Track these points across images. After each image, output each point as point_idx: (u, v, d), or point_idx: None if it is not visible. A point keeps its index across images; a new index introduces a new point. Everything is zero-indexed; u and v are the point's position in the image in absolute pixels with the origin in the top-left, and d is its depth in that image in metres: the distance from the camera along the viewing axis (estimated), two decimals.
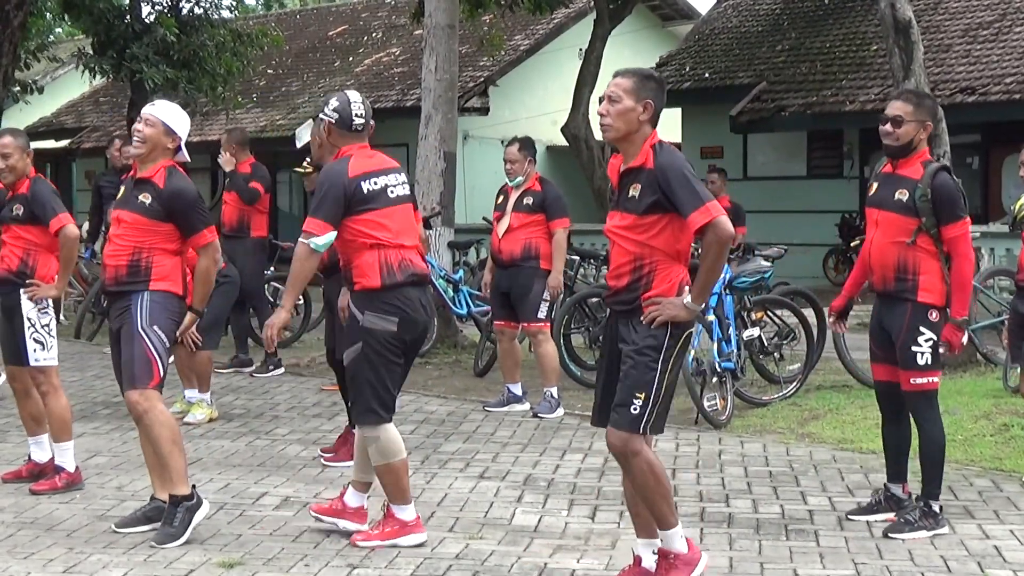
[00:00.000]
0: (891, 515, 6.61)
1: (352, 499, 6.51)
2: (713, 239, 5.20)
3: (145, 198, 6.49)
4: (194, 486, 6.55)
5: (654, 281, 5.31)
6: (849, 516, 6.75)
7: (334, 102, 6.31)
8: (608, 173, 5.60)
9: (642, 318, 5.29)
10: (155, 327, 6.43)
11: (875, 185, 6.64)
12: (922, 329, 6.39)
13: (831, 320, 7.10)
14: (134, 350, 6.41)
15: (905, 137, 6.44)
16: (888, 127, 6.46)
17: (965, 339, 6.47)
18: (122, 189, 6.74)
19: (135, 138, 6.56)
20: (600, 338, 11.22)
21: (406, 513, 6.31)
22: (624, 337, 5.39)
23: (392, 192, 6.28)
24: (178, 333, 6.64)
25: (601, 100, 5.43)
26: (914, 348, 6.41)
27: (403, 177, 6.39)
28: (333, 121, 6.27)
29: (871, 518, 6.66)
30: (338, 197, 6.13)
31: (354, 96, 6.38)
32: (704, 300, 5.37)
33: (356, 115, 6.29)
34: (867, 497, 6.96)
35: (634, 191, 5.33)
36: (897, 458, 6.75)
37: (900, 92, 6.86)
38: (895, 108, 6.50)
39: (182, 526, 6.33)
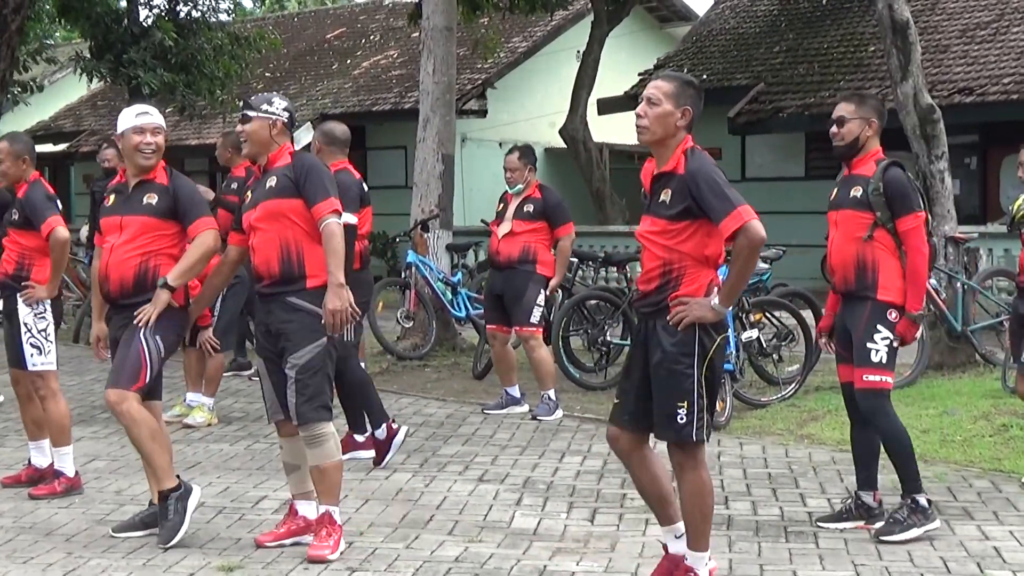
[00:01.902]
0: (860, 523, 6.57)
1: (310, 510, 6.41)
2: (745, 243, 5.17)
3: (151, 198, 6.49)
4: (178, 475, 6.53)
5: (682, 284, 5.28)
6: (818, 523, 6.69)
7: (281, 102, 6.39)
8: (641, 177, 5.54)
9: (668, 317, 5.26)
10: (157, 337, 6.40)
11: (834, 191, 6.69)
12: (879, 327, 6.40)
13: (821, 341, 6.94)
14: (130, 351, 6.38)
15: (849, 136, 6.53)
16: (834, 128, 6.57)
17: (919, 334, 6.46)
18: (112, 197, 6.69)
19: (147, 150, 6.51)
20: (598, 340, 11.31)
21: (336, 515, 6.28)
22: (654, 344, 5.33)
23: None
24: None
25: (639, 101, 5.40)
26: (869, 345, 6.40)
27: None
28: (285, 120, 6.33)
29: (840, 525, 6.61)
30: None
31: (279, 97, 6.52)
32: (732, 303, 5.34)
33: (296, 115, 6.52)
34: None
35: (665, 196, 5.31)
36: (866, 464, 6.68)
37: (843, 95, 6.92)
38: (838, 110, 6.61)
39: (180, 515, 6.34)
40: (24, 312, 7.43)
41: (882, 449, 6.71)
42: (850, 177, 6.59)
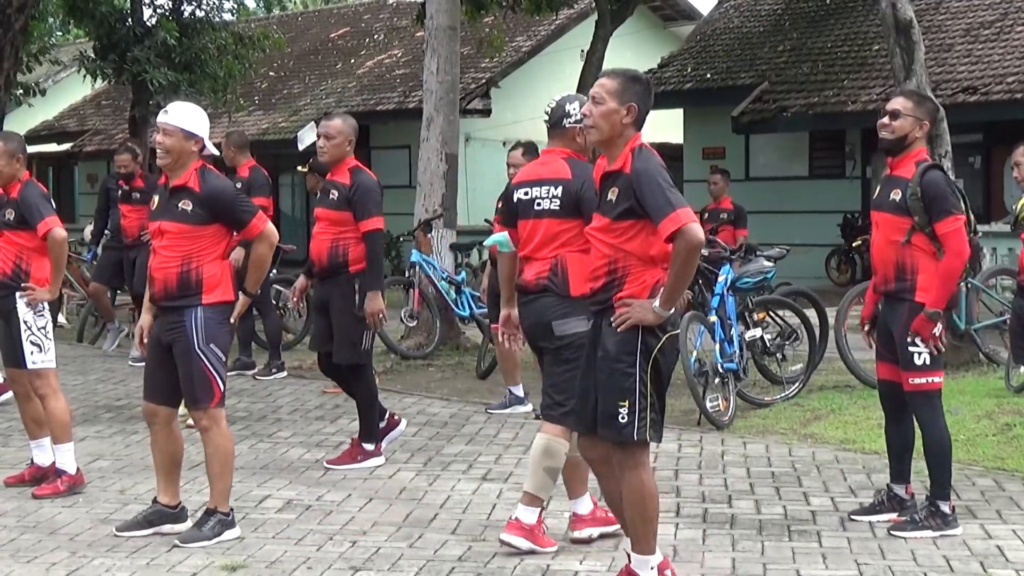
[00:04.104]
0: (894, 515, 6.62)
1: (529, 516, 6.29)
2: (682, 246, 5.09)
3: (186, 205, 6.40)
4: (232, 509, 6.56)
5: (626, 283, 5.27)
6: (852, 516, 6.75)
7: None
8: (594, 174, 5.57)
9: (612, 319, 5.26)
10: (212, 345, 6.40)
11: (877, 189, 6.72)
12: (912, 328, 6.41)
13: (864, 330, 6.89)
14: (192, 370, 6.39)
15: (900, 131, 6.49)
16: (886, 119, 6.53)
17: (938, 331, 6.37)
18: (156, 199, 6.67)
19: (158, 150, 6.48)
20: None
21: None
22: (600, 342, 5.35)
23: (539, 205, 6.27)
24: (232, 318, 6.59)
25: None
26: (911, 348, 6.42)
27: (555, 190, 6.26)
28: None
29: (874, 518, 6.67)
30: (504, 199, 6.62)
31: (562, 96, 6.56)
32: (672, 306, 5.23)
33: (545, 112, 6.55)
34: (870, 497, 6.97)
35: (612, 195, 5.29)
36: (899, 458, 6.76)
37: (902, 90, 6.90)
38: (895, 103, 6.58)
39: (212, 532, 6.38)
40: (23, 311, 7.43)
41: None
42: (891, 178, 6.58)
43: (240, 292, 6.62)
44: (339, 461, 8.16)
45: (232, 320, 6.58)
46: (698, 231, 5.11)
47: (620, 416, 5.24)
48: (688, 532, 6.54)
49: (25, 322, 7.43)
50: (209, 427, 6.45)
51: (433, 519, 6.84)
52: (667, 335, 5.28)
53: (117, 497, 7.39)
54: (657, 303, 5.18)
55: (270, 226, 6.59)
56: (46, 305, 7.54)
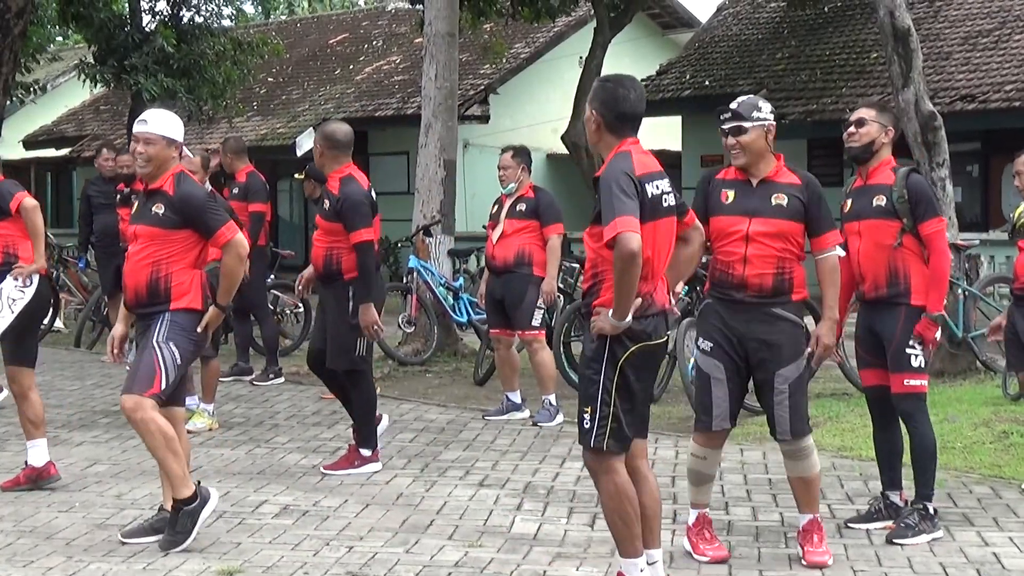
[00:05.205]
0: (890, 523, 6.62)
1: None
2: (616, 255, 5.04)
3: (158, 208, 6.47)
4: (199, 481, 6.53)
5: (602, 289, 5.28)
6: (848, 524, 6.76)
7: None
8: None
9: (590, 325, 5.31)
10: (171, 343, 6.40)
11: (849, 201, 6.72)
12: (916, 332, 6.43)
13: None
14: (143, 359, 6.40)
15: (866, 137, 6.58)
16: (852, 128, 6.62)
17: (938, 335, 6.47)
18: (135, 203, 6.73)
19: (139, 160, 6.53)
20: None
21: None
22: (585, 346, 5.42)
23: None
24: (199, 328, 6.54)
25: None
26: (908, 350, 6.45)
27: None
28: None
29: (870, 526, 6.68)
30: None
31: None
32: (623, 316, 5.13)
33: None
34: (866, 504, 6.97)
35: (596, 199, 5.31)
36: (891, 465, 6.76)
37: (865, 101, 7.02)
38: (860, 112, 6.69)
39: (183, 534, 6.33)
40: (9, 283, 7.68)
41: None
42: (867, 187, 6.61)
43: (213, 304, 6.61)
44: (336, 466, 8.17)
45: (199, 330, 6.56)
46: (630, 241, 4.99)
47: (584, 422, 5.28)
48: (685, 538, 6.54)
49: (2, 288, 7.66)
50: (141, 417, 6.27)
51: (430, 525, 6.85)
52: (638, 345, 5.24)
53: (114, 502, 7.38)
54: (611, 313, 5.17)
55: (239, 237, 6.58)
56: (32, 285, 7.70)
